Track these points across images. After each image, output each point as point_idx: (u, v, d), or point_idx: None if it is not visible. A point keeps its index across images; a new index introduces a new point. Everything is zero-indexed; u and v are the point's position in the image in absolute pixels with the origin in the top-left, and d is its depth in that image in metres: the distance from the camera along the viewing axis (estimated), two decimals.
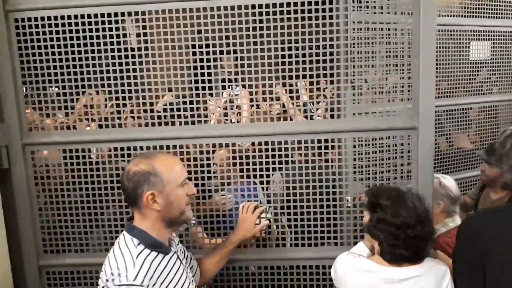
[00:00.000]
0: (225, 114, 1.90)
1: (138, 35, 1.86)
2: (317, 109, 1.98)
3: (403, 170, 1.80)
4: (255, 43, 1.75)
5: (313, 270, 1.89)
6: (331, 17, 1.74)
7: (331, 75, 1.78)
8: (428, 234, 1.50)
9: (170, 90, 1.88)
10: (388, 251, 1.49)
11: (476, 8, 3.07)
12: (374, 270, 1.50)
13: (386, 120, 1.81)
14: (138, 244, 1.42)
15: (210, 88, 1.82)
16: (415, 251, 1.48)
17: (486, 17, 3.11)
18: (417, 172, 1.78)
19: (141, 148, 1.84)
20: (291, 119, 2.00)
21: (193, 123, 1.83)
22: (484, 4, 3.08)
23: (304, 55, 1.77)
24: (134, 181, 1.42)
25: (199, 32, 1.77)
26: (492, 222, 1.48)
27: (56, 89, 1.87)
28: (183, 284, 1.51)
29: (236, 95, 1.92)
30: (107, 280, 1.36)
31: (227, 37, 1.76)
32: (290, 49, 1.82)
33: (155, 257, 1.43)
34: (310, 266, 1.89)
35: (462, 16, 3.06)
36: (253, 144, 2.07)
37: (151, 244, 1.44)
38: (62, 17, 1.79)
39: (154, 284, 1.39)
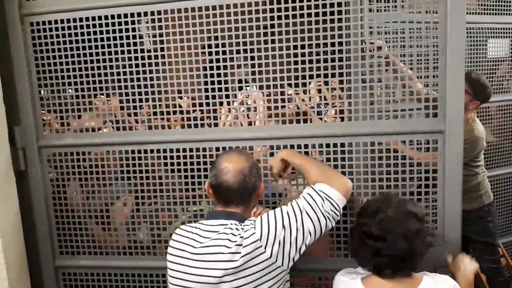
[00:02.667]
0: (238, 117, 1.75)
1: (153, 36, 1.76)
2: (334, 111, 1.80)
3: (428, 178, 1.58)
4: (266, 42, 1.59)
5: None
6: (347, 18, 1.56)
7: (348, 74, 1.59)
8: (417, 246, 1.29)
9: (184, 92, 1.76)
10: (362, 257, 1.34)
11: (493, 6, 2.81)
12: None
13: (410, 123, 1.60)
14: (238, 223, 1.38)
15: (226, 90, 1.69)
16: (403, 264, 1.29)
17: (504, 14, 2.83)
18: (444, 181, 1.56)
19: (152, 151, 1.74)
20: (309, 121, 1.83)
21: (209, 125, 1.70)
22: (502, 0, 2.82)
23: (318, 55, 1.59)
24: (255, 174, 1.40)
25: (213, 31, 1.64)
26: None
27: (71, 91, 1.80)
28: None
29: (247, 96, 1.76)
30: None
31: (237, 36, 1.61)
32: (305, 48, 1.63)
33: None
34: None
35: (479, 13, 2.79)
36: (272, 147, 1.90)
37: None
38: (75, 20, 1.71)
39: None
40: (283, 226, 1.31)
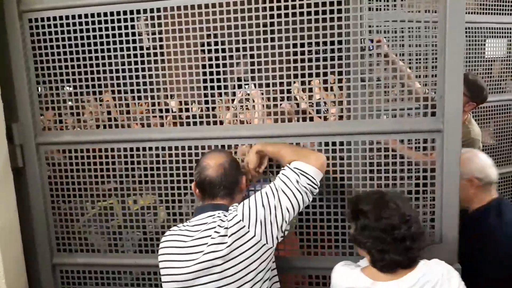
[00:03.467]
0: (236, 115, 1.73)
1: (151, 33, 1.72)
2: (334, 110, 1.78)
3: (426, 177, 1.57)
4: (266, 40, 1.57)
5: (313, 281, 1.71)
6: (347, 17, 1.54)
7: (347, 73, 1.57)
8: (417, 233, 1.29)
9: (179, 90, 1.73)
10: (378, 258, 1.29)
11: (491, 5, 2.78)
12: (368, 286, 1.30)
13: (408, 121, 1.58)
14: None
15: (225, 87, 1.67)
16: (406, 254, 1.28)
17: (502, 13, 2.81)
18: (442, 180, 1.54)
19: (150, 148, 1.71)
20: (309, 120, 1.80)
21: (209, 123, 1.68)
22: (500, 0, 2.79)
23: (318, 54, 1.57)
24: (237, 168, 1.48)
25: (210, 29, 1.62)
26: None
27: (70, 88, 1.78)
28: None
29: (247, 94, 1.74)
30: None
31: (237, 34, 1.59)
32: (304, 47, 1.61)
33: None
34: (310, 276, 1.71)
35: (477, 13, 2.77)
36: None
37: None
38: (74, 17, 1.68)
39: None
40: (263, 206, 1.36)
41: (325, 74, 1.57)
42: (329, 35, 1.54)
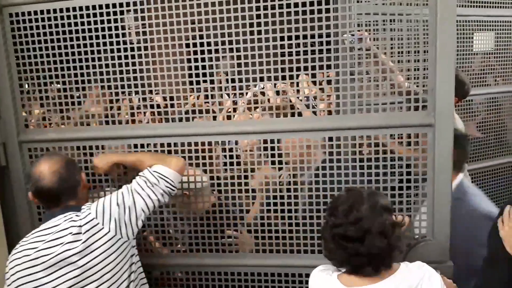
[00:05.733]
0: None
1: (136, 27, 1.62)
2: (323, 105, 1.68)
3: (418, 172, 1.47)
4: (253, 34, 1.47)
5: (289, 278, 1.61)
6: (335, 9, 1.44)
7: (336, 67, 1.47)
8: (375, 248, 1.14)
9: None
10: (339, 259, 1.20)
11: None
12: None
13: (398, 116, 1.49)
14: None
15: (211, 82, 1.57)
16: (376, 260, 1.16)
17: (490, 7, 2.72)
18: (433, 175, 1.45)
19: (136, 146, 1.61)
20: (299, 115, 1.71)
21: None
22: None
23: (306, 47, 1.47)
24: (70, 169, 1.38)
25: (196, 22, 1.52)
26: None
27: (54, 84, 1.67)
28: None
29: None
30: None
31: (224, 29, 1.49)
32: (291, 41, 1.51)
33: None
34: (286, 274, 1.61)
35: (465, 6, 2.68)
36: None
37: None
38: (55, 10, 1.57)
39: None
40: (117, 204, 1.33)
41: (313, 68, 1.48)
42: (317, 28, 1.44)
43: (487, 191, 2.98)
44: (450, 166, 1.45)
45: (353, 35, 1.46)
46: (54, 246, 1.29)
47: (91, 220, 1.31)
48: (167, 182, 1.38)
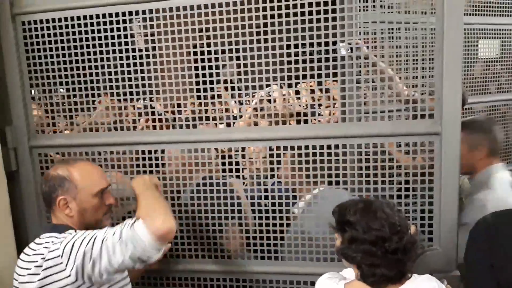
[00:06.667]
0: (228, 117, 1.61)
1: (146, 35, 1.61)
2: (329, 112, 1.66)
3: (424, 181, 1.44)
4: (260, 43, 1.46)
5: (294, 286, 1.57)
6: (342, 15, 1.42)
7: (342, 75, 1.45)
8: (409, 244, 1.14)
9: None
10: (368, 274, 1.14)
11: (484, 6, 2.65)
12: None
13: (405, 124, 1.46)
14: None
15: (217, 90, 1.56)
16: (397, 267, 1.13)
17: (495, 15, 2.68)
18: (440, 184, 1.42)
19: (143, 152, 1.60)
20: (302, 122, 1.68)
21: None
22: (492, 2, 2.66)
23: (312, 56, 1.45)
24: (50, 185, 1.31)
25: (203, 30, 1.51)
26: None
27: (64, 91, 1.67)
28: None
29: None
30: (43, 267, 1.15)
31: (230, 37, 1.48)
32: (297, 49, 1.49)
33: None
34: (291, 282, 1.57)
35: (470, 14, 2.64)
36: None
37: None
38: (67, 19, 1.58)
39: None
40: (84, 252, 1.14)
41: (319, 76, 1.46)
42: (323, 36, 1.43)
43: None
44: (457, 174, 1.41)
45: (349, 43, 1.44)
46: (23, 269, 1.19)
47: (56, 257, 1.15)
48: (139, 249, 1.13)
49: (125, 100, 1.60)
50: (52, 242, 1.19)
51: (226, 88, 1.59)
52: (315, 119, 1.55)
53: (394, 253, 1.12)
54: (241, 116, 1.61)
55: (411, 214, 1.46)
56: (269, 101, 1.78)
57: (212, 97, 1.56)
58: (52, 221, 1.34)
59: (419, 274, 1.22)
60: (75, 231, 1.23)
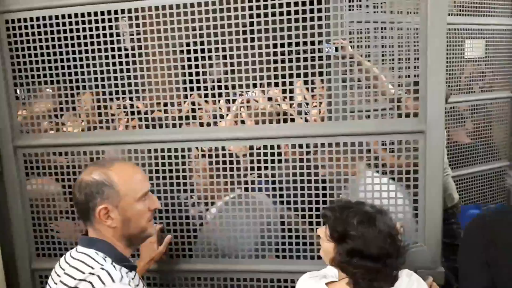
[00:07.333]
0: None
1: (132, 34, 1.58)
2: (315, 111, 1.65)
3: (409, 178, 1.44)
4: (245, 41, 1.44)
5: (275, 284, 1.56)
6: (327, 17, 1.41)
7: (328, 73, 1.45)
8: (403, 250, 1.13)
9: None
10: (364, 286, 1.10)
11: (469, 7, 2.70)
12: None
13: (390, 123, 1.46)
14: (105, 257, 1.09)
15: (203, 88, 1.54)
16: (392, 278, 1.12)
17: (479, 15, 2.72)
18: (424, 182, 1.42)
19: (129, 151, 1.58)
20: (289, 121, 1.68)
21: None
22: (477, 2, 2.71)
23: (298, 55, 1.44)
24: (86, 193, 1.09)
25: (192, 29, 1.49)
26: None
27: (50, 90, 1.64)
28: None
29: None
30: None
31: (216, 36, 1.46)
32: (283, 48, 1.48)
33: (126, 273, 1.11)
34: (272, 280, 1.56)
35: (456, 15, 2.68)
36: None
37: (118, 258, 1.11)
38: (51, 17, 1.54)
39: None
40: None
41: (306, 75, 1.45)
42: (309, 36, 1.42)
43: (476, 196, 2.96)
44: (440, 172, 1.42)
45: (328, 42, 1.43)
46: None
47: None
48: None
49: (111, 99, 1.56)
50: (95, 259, 1.07)
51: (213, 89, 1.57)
52: (300, 118, 1.53)
53: (392, 267, 1.11)
54: (226, 116, 1.59)
55: (396, 212, 1.45)
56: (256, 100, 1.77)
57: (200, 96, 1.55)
58: (89, 234, 1.14)
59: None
60: (110, 262, 1.08)
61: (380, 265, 1.08)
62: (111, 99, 1.56)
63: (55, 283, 1.09)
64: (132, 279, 1.12)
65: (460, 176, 2.86)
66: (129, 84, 1.54)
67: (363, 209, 1.16)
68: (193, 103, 1.56)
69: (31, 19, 1.56)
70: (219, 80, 1.54)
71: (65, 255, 1.15)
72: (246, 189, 1.54)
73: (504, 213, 1.34)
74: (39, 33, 1.55)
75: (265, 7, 1.41)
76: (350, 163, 1.46)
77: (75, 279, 1.04)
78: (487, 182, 2.99)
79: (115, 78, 1.54)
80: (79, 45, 1.54)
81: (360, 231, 1.09)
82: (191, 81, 1.51)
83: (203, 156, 1.56)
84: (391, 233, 1.11)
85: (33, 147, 1.64)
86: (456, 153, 2.86)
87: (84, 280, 1.02)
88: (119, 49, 1.54)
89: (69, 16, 1.53)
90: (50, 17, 1.54)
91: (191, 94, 1.56)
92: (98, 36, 1.52)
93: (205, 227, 1.57)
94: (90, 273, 1.03)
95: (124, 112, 1.62)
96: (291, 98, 1.54)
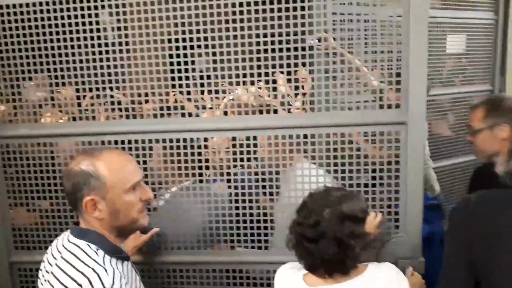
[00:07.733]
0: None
1: (113, 23, 1.54)
2: (301, 102, 1.64)
3: (391, 169, 1.44)
4: (228, 31, 1.42)
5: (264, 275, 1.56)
6: (310, 7, 1.40)
7: (311, 65, 1.43)
8: (354, 233, 1.09)
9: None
10: (298, 255, 1.15)
11: (452, 1, 2.70)
12: None
13: (372, 114, 1.46)
14: (97, 250, 1.05)
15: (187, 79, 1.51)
16: (338, 256, 1.09)
17: (462, 9, 2.73)
18: (406, 173, 1.42)
19: (109, 142, 1.54)
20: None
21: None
22: None
23: (281, 47, 1.42)
24: (73, 183, 1.05)
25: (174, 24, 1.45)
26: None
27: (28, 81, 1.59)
28: None
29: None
30: None
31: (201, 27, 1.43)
32: (266, 40, 1.46)
33: (117, 264, 1.07)
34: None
35: (438, 8, 2.67)
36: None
37: (111, 250, 1.07)
38: (28, 4, 1.49)
39: None
40: None
41: (288, 66, 1.43)
42: (292, 26, 1.40)
43: (457, 187, 2.99)
44: (421, 163, 1.42)
45: (318, 38, 1.42)
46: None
47: None
48: None
49: (90, 90, 1.52)
50: (87, 253, 1.04)
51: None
52: (284, 109, 1.51)
53: (310, 242, 1.10)
54: (211, 108, 1.57)
55: (377, 202, 1.46)
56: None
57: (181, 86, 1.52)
58: (80, 224, 1.11)
59: (387, 262, 1.21)
60: (102, 255, 1.05)
61: (313, 245, 1.09)
62: (90, 90, 1.52)
63: (47, 272, 1.07)
64: (125, 271, 1.09)
65: (441, 167, 2.88)
66: (109, 74, 1.50)
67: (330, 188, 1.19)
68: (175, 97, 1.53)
69: (7, 6, 1.50)
70: (201, 71, 1.51)
71: (56, 243, 1.12)
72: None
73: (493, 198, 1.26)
74: (16, 21, 1.50)
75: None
76: (332, 154, 1.45)
77: (68, 275, 1.01)
78: (468, 173, 3.02)
79: (95, 68, 1.50)
80: (58, 33, 1.49)
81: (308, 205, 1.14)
82: (173, 72, 1.48)
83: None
84: (349, 215, 1.09)
85: (10, 138, 1.59)
86: (437, 145, 2.88)
87: (75, 281, 1.00)
88: (99, 38, 1.50)
89: (47, 3, 1.48)
90: (27, 4, 1.49)
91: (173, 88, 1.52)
92: (77, 24, 1.47)
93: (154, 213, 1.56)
94: (83, 274, 1.00)
95: (105, 102, 1.57)
96: (274, 90, 1.52)
